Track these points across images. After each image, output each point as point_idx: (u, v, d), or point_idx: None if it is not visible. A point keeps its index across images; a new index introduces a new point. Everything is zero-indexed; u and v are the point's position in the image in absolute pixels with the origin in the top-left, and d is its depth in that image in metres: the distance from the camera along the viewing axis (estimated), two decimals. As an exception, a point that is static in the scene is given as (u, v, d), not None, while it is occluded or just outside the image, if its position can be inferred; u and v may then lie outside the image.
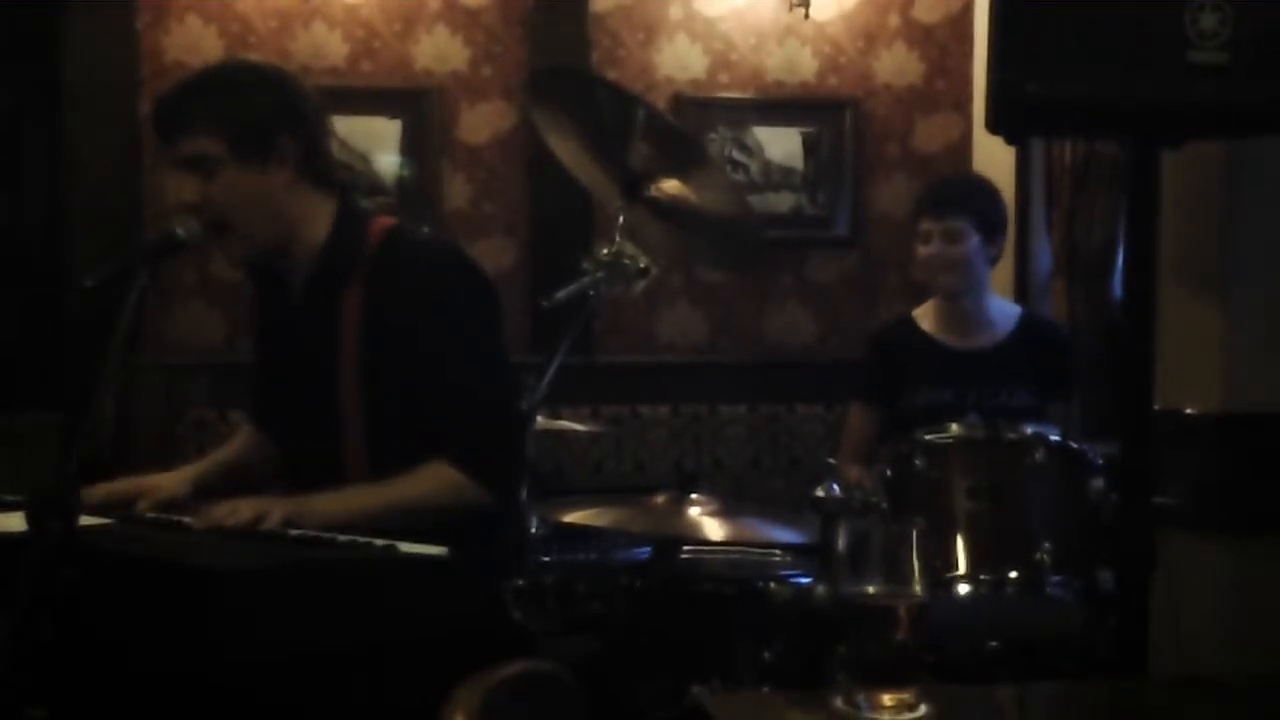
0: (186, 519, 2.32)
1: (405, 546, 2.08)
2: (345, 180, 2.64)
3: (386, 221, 2.55)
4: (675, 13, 5.34)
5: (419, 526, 2.28)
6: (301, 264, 2.51)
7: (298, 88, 2.52)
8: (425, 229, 2.74)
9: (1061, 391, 3.55)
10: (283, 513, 2.25)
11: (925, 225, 3.56)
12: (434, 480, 2.40)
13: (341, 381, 2.45)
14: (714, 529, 2.77)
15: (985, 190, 3.69)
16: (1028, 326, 3.63)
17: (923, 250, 3.56)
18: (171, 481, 2.61)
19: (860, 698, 1.45)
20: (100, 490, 2.47)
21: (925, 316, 3.68)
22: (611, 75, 5.14)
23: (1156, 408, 2.25)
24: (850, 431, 3.72)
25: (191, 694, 1.86)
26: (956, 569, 2.61)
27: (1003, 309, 3.68)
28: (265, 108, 2.44)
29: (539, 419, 3.30)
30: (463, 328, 2.47)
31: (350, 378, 2.45)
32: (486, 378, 2.48)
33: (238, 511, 2.23)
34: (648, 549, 2.85)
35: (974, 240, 3.51)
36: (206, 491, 2.60)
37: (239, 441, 2.82)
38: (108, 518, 2.31)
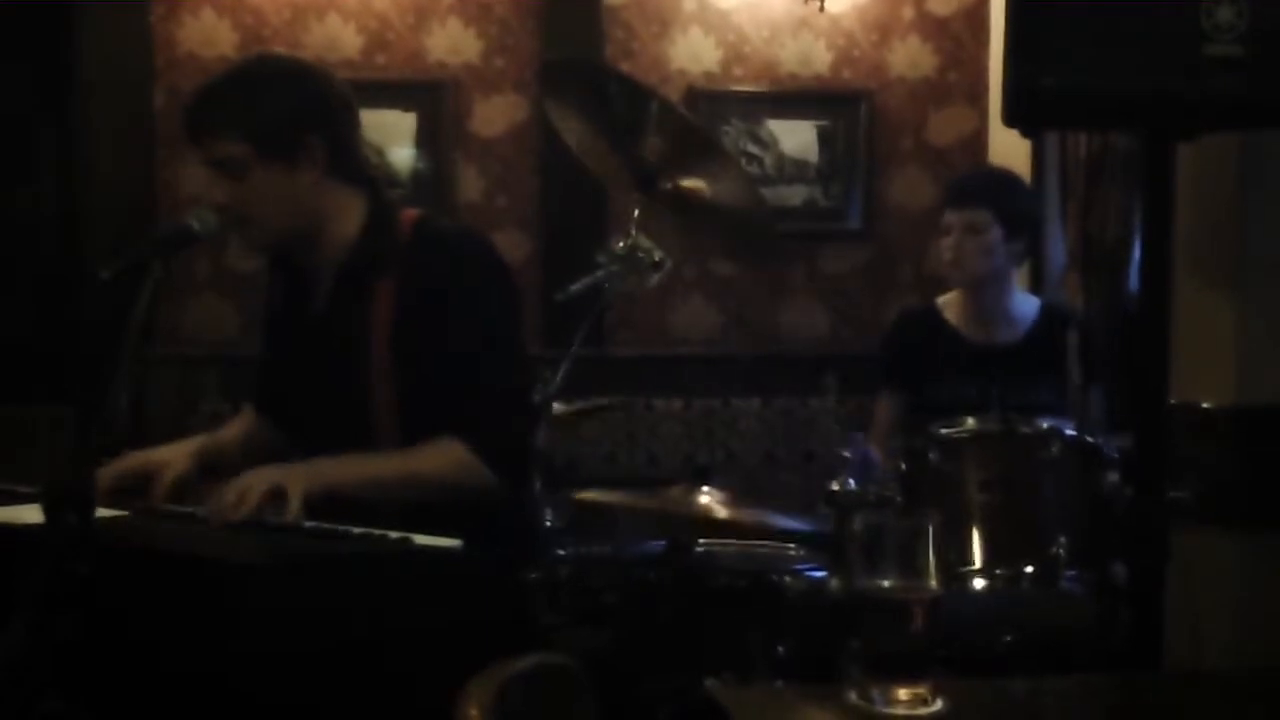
0: (198, 510, 2.32)
1: (420, 539, 2.08)
2: (375, 174, 2.64)
3: (413, 213, 2.56)
4: (688, 5, 5.34)
5: (424, 501, 2.31)
6: (329, 258, 2.52)
7: (326, 84, 2.51)
8: (447, 219, 2.77)
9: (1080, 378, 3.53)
10: (301, 485, 2.24)
11: (947, 218, 3.56)
12: (445, 456, 2.41)
13: (374, 371, 2.46)
14: (727, 522, 2.76)
15: (1011, 185, 3.68)
16: (1047, 317, 3.62)
17: (944, 242, 3.56)
18: (177, 458, 2.59)
19: (874, 692, 1.45)
20: (109, 472, 2.47)
21: (949, 306, 3.66)
22: (625, 68, 5.13)
23: (1171, 401, 2.25)
24: (879, 422, 3.68)
25: (205, 686, 1.87)
26: (971, 563, 2.60)
27: (1024, 303, 3.67)
28: (291, 108, 2.43)
29: (553, 411, 3.30)
30: (488, 315, 2.48)
31: (384, 367, 2.46)
32: (505, 365, 2.49)
33: (253, 488, 2.23)
34: (661, 542, 2.84)
35: (996, 233, 3.49)
36: (210, 469, 2.60)
37: (241, 423, 2.82)
38: (123, 510, 2.31)
